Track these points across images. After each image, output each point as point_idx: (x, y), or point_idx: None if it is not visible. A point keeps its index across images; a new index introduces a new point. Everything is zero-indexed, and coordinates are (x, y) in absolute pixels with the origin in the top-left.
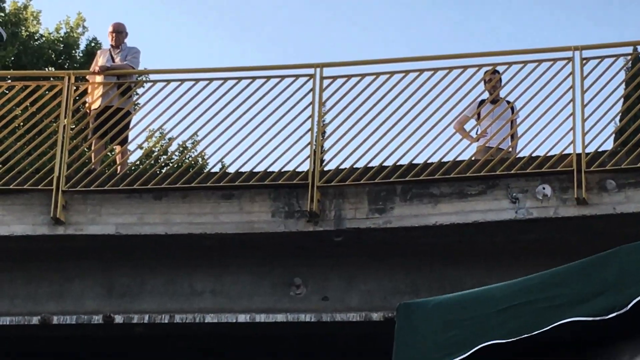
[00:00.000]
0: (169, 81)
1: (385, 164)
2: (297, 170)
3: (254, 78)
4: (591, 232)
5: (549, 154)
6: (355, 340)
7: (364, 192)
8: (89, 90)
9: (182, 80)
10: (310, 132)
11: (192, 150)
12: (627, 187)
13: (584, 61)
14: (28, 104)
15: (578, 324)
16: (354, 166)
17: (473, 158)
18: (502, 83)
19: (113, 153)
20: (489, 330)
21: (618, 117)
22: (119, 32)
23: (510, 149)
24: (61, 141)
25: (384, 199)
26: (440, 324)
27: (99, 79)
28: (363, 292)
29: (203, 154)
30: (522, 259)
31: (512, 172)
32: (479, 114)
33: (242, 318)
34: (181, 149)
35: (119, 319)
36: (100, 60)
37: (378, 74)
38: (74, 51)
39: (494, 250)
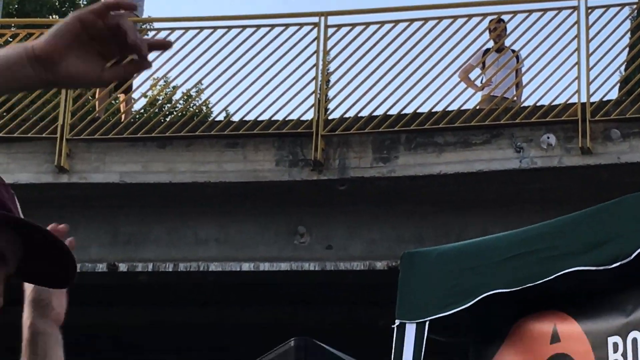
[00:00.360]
0: (173, 29)
1: (389, 112)
2: (301, 119)
3: (258, 26)
4: (595, 182)
5: (553, 103)
6: (358, 289)
7: (368, 141)
8: None
9: (186, 29)
10: (314, 81)
11: (196, 98)
12: (631, 136)
13: (589, 10)
14: None
15: (582, 273)
16: (358, 115)
17: (477, 107)
18: (507, 32)
19: (117, 101)
20: (493, 280)
21: (623, 67)
22: None
23: (515, 98)
24: (65, 89)
25: (388, 148)
26: (444, 273)
27: None
28: (367, 241)
29: (207, 102)
30: (526, 209)
31: (517, 121)
32: (483, 63)
33: (246, 267)
34: (185, 97)
35: (123, 267)
36: None
37: (383, 23)
38: None
39: (498, 200)
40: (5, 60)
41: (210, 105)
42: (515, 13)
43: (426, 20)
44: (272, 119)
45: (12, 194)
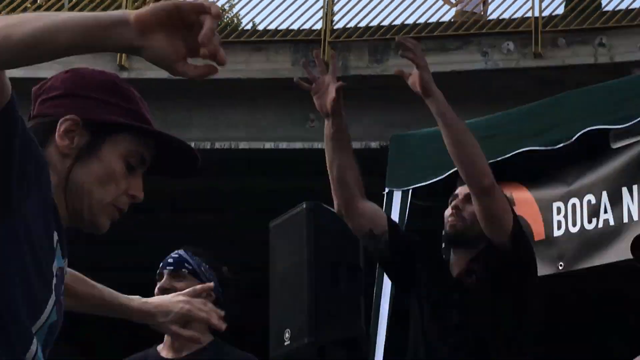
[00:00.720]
0: None
1: (382, 24)
2: (312, 28)
3: None
4: (545, 80)
5: (513, 17)
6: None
7: (365, 47)
8: None
9: None
10: None
11: (229, 11)
12: (574, 44)
13: None
14: None
15: (534, 152)
16: (358, 25)
17: (452, 20)
18: None
19: None
20: None
21: None
22: None
23: (482, 13)
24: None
25: (381, 52)
26: (425, 151)
27: None
28: (364, 125)
29: (238, 15)
30: (491, 102)
31: (484, 31)
32: None
33: (268, 145)
34: (221, 10)
35: None
36: None
37: None
38: None
39: (468, 94)
40: (94, 18)
41: (240, 17)
42: None
43: None
44: (290, 28)
45: (146, 104)
